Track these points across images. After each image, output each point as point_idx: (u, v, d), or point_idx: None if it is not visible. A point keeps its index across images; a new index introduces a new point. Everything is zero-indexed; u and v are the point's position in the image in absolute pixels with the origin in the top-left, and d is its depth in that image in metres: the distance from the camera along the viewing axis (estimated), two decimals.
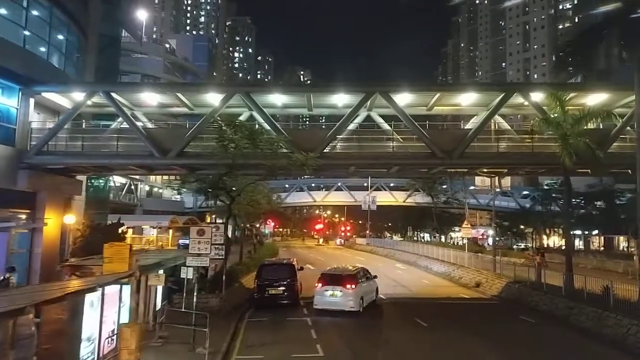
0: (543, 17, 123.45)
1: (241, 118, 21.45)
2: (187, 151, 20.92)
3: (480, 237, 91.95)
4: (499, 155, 21.26)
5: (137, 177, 60.71)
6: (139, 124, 21.97)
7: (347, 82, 22.14)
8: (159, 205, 72.37)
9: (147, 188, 72.36)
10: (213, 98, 21.74)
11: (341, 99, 22.81)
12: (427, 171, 24.52)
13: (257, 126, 21.19)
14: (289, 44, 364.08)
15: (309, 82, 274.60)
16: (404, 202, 73.52)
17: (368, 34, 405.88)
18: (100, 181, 33.47)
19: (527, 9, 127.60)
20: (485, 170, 24.34)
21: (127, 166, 23.47)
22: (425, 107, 23.88)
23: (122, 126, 21.92)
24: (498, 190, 24.47)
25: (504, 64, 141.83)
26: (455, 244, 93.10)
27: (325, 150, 21.46)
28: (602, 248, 71.06)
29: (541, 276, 20.58)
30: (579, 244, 78.19)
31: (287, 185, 77.04)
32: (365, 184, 75.58)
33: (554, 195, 69.55)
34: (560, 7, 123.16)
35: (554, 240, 79.93)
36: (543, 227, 74.71)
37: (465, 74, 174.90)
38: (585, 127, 19.66)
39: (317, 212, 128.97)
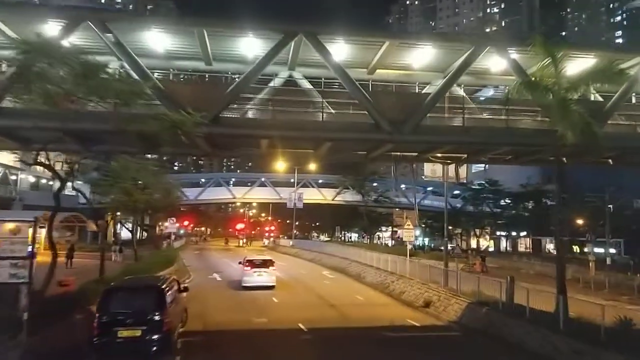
0: (472, 19, 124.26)
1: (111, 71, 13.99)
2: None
3: None
4: (463, 131, 15.57)
5: (18, 165, 50.57)
6: None
7: (258, 20, 15.27)
8: (47, 200, 61.17)
9: (32, 179, 60.96)
10: (49, 29, 14.11)
11: (251, 47, 16.06)
12: (367, 155, 18.33)
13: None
14: None
15: None
16: (332, 200, 68.04)
17: None
18: None
19: (457, 10, 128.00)
20: (439, 155, 18.67)
21: None
22: (365, 68, 17.79)
23: None
24: (454, 180, 18.43)
25: None
26: (383, 244, 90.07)
27: (225, 115, 14.63)
28: (529, 250, 70.16)
29: (513, 297, 15.18)
30: (506, 245, 77.26)
31: (203, 180, 68.65)
32: (292, 180, 69.20)
33: (483, 195, 67.42)
34: (489, 10, 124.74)
35: (480, 242, 78.43)
36: (473, 228, 72.29)
37: None
38: (578, 96, 14.51)
39: (241, 210, 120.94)
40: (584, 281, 29.11)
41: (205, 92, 14.85)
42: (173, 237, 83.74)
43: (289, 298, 22.01)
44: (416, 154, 18.92)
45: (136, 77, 13.96)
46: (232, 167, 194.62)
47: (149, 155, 42.12)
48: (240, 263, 27.68)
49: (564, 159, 15.01)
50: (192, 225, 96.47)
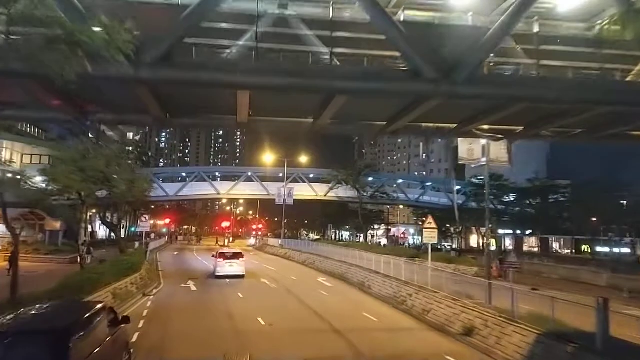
0: None
1: None
2: None
3: (402, 235, 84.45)
4: (542, 82, 10.50)
5: None
6: None
7: None
8: (15, 196, 55.17)
9: None
10: None
11: None
12: (387, 126, 13.18)
13: None
14: None
15: None
16: (325, 196, 62.88)
17: None
18: None
19: None
20: (486, 127, 13.60)
21: None
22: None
23: None
24: (505, 163, 13.09)
25: None
26: (376, 243, 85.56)
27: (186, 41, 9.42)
28: (533, 249, 65.77)
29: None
30: (508, 244, 72.84)
31: (184, 174, 63.05)
32: (281, 175, 63.90)
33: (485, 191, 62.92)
34: None
35: (482, 241, 74.12)
36: (475, 225, 67.75)
37: None
38: None
39: (228, 208, 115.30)
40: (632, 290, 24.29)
41: (149, 15, 9.52)
42: (153, 235, 78.25)
43: (280, 320, 16.78)
44: (455, 125, 13.75)
45: None
46: (219, 162, 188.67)
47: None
48: (213, 256, 31.73)
49: None
50: (174, 223, 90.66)
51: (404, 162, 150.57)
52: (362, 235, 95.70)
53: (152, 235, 78.11)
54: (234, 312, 18.32)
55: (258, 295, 22.42)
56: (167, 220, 76.09)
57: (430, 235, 19.76)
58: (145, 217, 35.44)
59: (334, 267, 32.03)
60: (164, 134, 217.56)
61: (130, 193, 25.19)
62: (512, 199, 64.83)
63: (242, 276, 27.85)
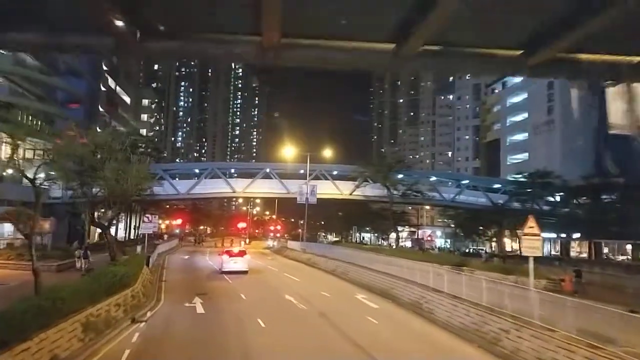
0: None
1: None
2: None
3: (427, 238, 77.89)
4: None
5: None
6: None
7: None
8: (7, 193, 50.73)
9: None
10: None
11: None
12: (526, 57, 7.21)
13: None
14: None
15: (240, 70, 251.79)
16: (350, 195, 57.00)
17: None
18: None
19: None
20: None
21: None
22: None
23: None
24: None
25: None
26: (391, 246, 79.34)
27: None
28: (581, 254, 58.93)
29: None
30: (552, 250, 65.98)
31: (197, 170, 57.82)
32: (302, 171, 58.24)
33: (530, 190, 56.21)
34: None
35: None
36: (514, 228, 61.16)
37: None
38: None
39: (244, 208, 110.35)
40: None
41: None
42: (166, 237, 73.18)
43: None
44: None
45: None
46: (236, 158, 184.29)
47: None
48: (219, 255, 35.05)
49: None
50: (188, 224, 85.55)
51: (427, 161, 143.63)
52: (386, 237, 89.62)
53: (165, 237, 73.29)
54: (254, 353, 12.69)
55: (284, 323, 16.72)
56: (179, 221, 71.02)
57: (532, 246, 13.77)
58: (148, 217, 30.10)
59: (374, 280, 26.17)
60: (180, 133, 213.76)
61: (119, 186, 19.76)
62: (558, 198, 58.18)
63: (245, 272, 30.35)
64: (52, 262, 27.81)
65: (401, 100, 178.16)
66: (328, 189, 55.18)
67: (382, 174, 50.20)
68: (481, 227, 66.40)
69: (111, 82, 74.12)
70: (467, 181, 61.18)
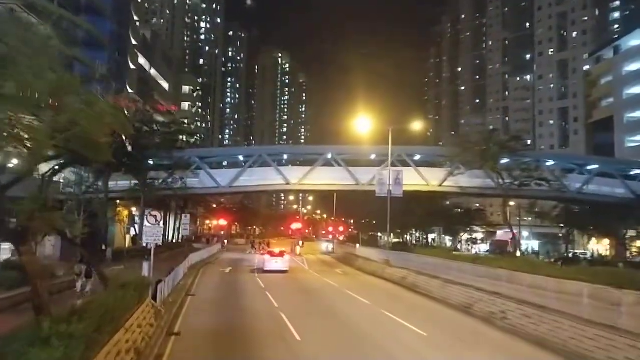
0: None
1: None
2: None
3: (510, 240, 62.11)
4: None
5: None
6: None
7: None
8: (20, 189, 41.05)
9: None
10: None
11: None
12: None
13: None
14: (264, 21, 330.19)
15: (287, 65, 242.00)
16: (440, 185, 43.23)
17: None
18: None
19: None
20: None
21: None
22: None
23: None
24: None
25: (528, 24, 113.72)
26: (470, 251, 65.58)
27: None
28: None
29: None
30: None
31: (241, 158, 45.81)
32: (373, 156, 45.13)
33: None
34: None
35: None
36: None
37: (469, 45, 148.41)
38: None
39: (294, 207, 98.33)
40: None
41: None
42: (205, 240, 61.89)
43: None
44: None
45: None
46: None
47: None
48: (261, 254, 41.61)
49: None
50: (233, 224, 74.48)
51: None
52: (456, 238, 74.32)
53: (204, 240, 62.11)
54: None
55: None
56: (222, 221, 59.78)
57: None
58: (155, 215, 18.08)
59: (563, 332, 12.52)
60: (227, 130, 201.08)
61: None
62: None
63: (285, 271, 32.01)
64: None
65: (463, 88, 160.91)
66: (410, 179, 41.59)
67: (489, 156, 36.23)
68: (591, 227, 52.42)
69: (143, 61, 64.01)
70: (596, 166, 45.61)
